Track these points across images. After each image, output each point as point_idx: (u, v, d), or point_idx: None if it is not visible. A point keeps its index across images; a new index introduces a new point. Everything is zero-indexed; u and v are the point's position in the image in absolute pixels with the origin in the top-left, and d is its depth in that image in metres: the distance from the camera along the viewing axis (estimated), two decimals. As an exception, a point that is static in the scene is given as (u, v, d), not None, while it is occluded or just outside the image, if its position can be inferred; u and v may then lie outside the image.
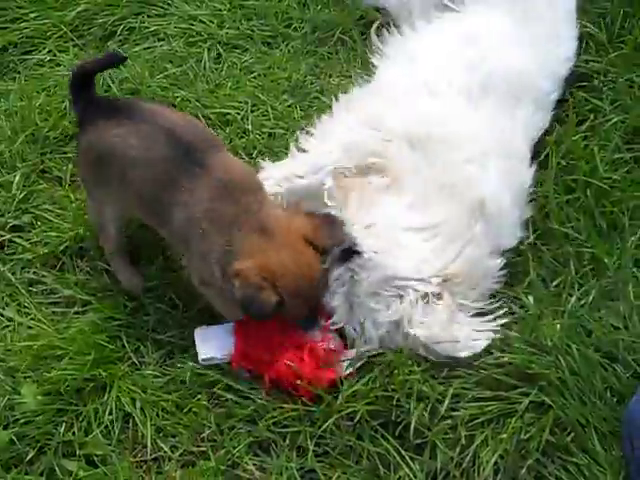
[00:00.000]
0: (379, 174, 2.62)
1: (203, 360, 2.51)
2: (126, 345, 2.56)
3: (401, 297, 2.44)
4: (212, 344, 2.53)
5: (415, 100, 2.77)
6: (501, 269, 2.61)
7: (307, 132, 2.89)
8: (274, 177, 2.66)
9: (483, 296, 2.57)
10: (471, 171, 2.60)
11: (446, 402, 2.34)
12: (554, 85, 2.94)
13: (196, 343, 2.54)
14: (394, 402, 2.35)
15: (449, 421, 2.35)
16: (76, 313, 2.66)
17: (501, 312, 2.52)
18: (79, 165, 2.68)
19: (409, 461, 2.31)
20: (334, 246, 2.41)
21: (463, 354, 2.42)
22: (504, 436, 2.31)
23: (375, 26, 3.32)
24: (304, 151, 2.79)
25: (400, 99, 2.79)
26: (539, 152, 2.89)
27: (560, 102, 3.02)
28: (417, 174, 2.59)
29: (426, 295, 2.45)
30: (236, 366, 2.47)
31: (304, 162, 2.70)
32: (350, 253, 2.46)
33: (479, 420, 2.36)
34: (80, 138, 2.57)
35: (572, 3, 3.11)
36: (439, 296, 2.46)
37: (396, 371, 2.38)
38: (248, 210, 2.35)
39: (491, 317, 2.51)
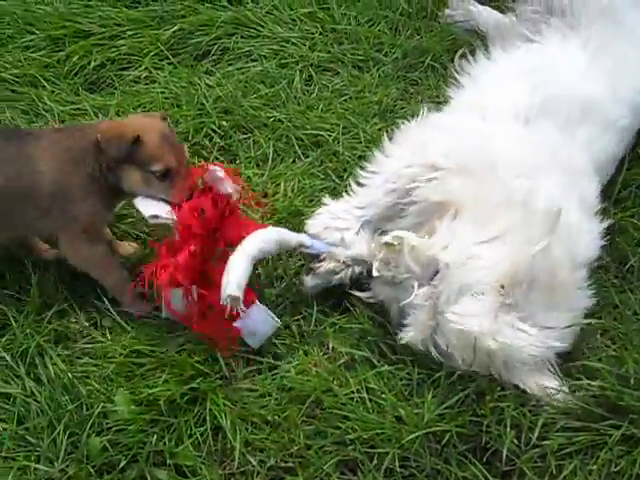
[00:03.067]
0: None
1: (150, 217, 2.60)
2: (219, 358, 2.58)
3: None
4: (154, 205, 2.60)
5: (463, 127, 2.86)
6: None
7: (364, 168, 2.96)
8: (331, 211, 2.84)
9: (562, 310, 2.53)
10: (522, 184, 2.63)
11: (537, 430, 2.34)
12: (625, 111, 2.97)
13: (138, 207, 2.62)
14: (484, 427, 2.35)
15: (538, 450, 2.34)
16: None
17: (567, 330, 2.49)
18: None
19: (497, 488, 2.32)
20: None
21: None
22: (594, 467, 2.30)
23: (458, 55, 3.36)
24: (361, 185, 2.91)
25: (448, 127, 2.88)
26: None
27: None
28: (473, 199, 2.63)
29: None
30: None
31: (364, 195, 2.87)
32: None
33: (568, 450, 2.35)
34: None
35: None
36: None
37: (487, 397, 2.38)
38: None
39: (555, 333, 2.47)
